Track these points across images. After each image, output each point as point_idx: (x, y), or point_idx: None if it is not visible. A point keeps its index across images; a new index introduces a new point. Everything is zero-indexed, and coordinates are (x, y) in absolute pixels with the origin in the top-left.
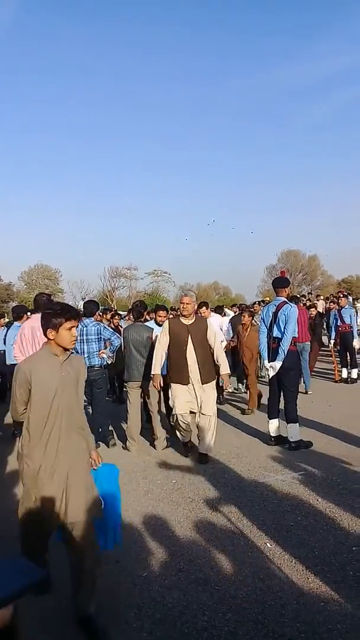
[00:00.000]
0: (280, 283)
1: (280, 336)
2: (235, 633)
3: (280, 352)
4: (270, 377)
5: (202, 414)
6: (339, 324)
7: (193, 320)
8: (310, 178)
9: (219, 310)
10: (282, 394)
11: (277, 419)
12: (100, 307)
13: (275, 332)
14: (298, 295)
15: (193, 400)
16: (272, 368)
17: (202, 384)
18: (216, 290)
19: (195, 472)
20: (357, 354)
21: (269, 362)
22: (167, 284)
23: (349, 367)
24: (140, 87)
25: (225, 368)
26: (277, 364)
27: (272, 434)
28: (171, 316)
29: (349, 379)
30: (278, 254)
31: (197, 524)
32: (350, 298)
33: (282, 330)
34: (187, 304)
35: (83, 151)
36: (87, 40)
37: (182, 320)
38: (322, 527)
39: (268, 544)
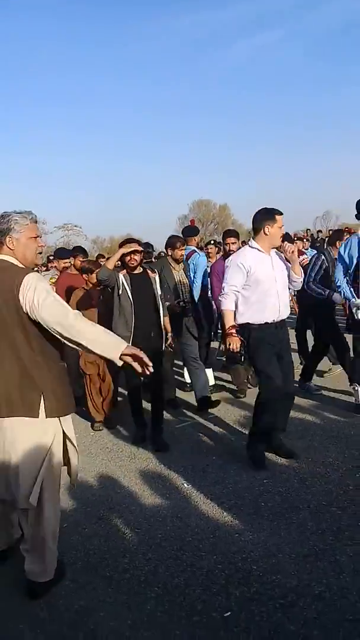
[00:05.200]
0: (189, 232)
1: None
2: (155, 571)
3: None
4: None
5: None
6: None
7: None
8: (223, 130)
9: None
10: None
11: None
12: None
13: None
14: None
15: None
16: None
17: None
18: None
19: (113, 422)
20: None
21: None
22: (78, 238)
23: None
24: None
25: None
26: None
27: (187, 380)
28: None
29: None
30: (189, 204)
31: (116, 472)
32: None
33: (192, 278)
34: None
35: None
36: None
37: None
38: (236, 465)
39: (185, 484)
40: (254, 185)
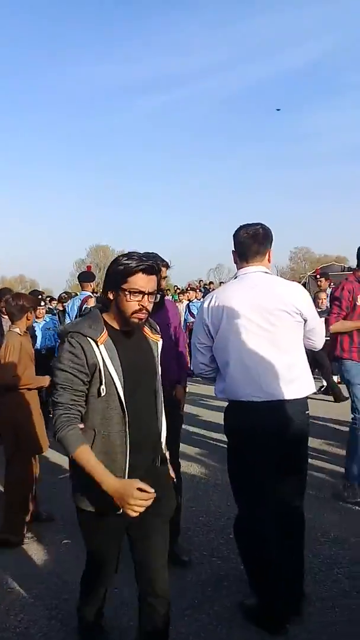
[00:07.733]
0: (85, 277)
1: None
2: (27, 633)
3: None
4: None
5: None
6: (189, 320)
7: None
8: (126, 174)
9: None
10: None
11: None
12: None
13: None
14: None
15: None
16: None
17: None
18: (22, 284)
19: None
20: None
21: None
22: None
23: None
24: None
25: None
26: None
27: None
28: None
29: None
30: (87, 248)
31: None
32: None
33: None
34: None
35: None
36: None
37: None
38: None
39: (65, 539)
40: (151, 236)
